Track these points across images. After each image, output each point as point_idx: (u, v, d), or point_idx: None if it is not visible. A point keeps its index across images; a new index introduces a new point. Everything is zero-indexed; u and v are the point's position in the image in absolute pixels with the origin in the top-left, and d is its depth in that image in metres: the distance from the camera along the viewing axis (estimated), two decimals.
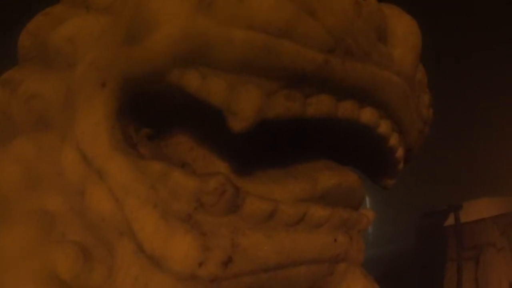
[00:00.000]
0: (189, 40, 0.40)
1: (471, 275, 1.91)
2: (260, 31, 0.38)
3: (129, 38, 0.47)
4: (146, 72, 0.45)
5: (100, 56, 0.51)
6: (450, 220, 2.06)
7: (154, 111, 0.54)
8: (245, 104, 0.38)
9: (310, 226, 0.47)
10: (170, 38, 0.41)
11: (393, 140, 0.55)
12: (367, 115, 0.47)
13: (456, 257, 1.93)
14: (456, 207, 1.99)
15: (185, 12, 0.41)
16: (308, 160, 0.52)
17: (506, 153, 2.18)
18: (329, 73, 0.40)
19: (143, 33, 0.44)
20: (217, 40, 0.39)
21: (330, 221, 0.49)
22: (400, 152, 0.59)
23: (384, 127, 0.51)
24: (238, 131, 0.39)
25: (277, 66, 0.38)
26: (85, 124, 0.49)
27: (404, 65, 0.50)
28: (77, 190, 0.49)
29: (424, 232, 2.20)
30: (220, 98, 0.40)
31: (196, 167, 0.50)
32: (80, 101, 0.51)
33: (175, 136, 0.55)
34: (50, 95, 0.53)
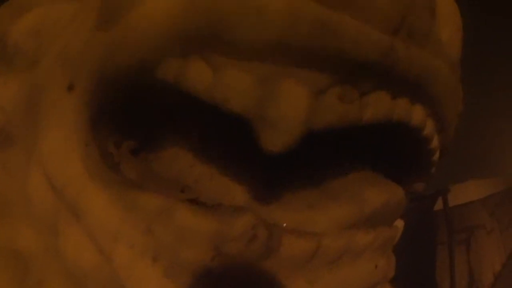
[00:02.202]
0: (194, 14, 0.27)
1: (463, 258, 1.89)
2: None
3: (103, 20, 0.34)
4: (126, 66, 0.32)
5: (66, 48, 0.39)
6: (438, 205, 2.04)
7: (138, 115, 0.42)
8: (288, 109, 0.26)
9: (353, 256, 0.37)
10: (162, 12, 0.28)
11: (435, 141, 0.46)
12: (418, 115, 0.37)
13: (447, 241, 1.91)
14: (444, 191, 1.96)
15: None
16: (341, 171, 0.42)
17: (488, 135, 2.18)
18: (393, 61, 0.29)
19: (122, 9, 0.31)
20: (239, 12, 0.26)
21: (372, 245, 0.40)
22: (437, 154, 0.50)
23: (429, 127, 0.42)
24: (278, 149, 0.27)
25: (333, 51, 0.26)
26: (51, 140, 0.37)
27: (452, 50, 0.40)
28: (49, 227, 0.37)
29: (412, 217, 2.18)
30: (246, 101, 0.27)
31: (200, 190, 0.38)
32: (44, 108, 0.39)
33: (169, 148, 0.43)
34: (10, 103, 0.42)
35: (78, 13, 0.39)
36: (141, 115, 0.42)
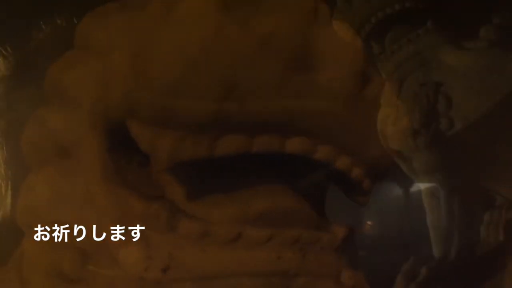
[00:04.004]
0: (127, 103, 0.54)
1: None
2: (157, 93, 0.50)
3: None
4: (113, 118, 0.57)
5: (91, 99, 0.63)
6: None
7: None
8: (161, 150, 0.51)
9: (249, 244, 0.56)
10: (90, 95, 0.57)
11: (340, 163, 0.59)
12: (294, 144, 0.54)
13: None
14: None
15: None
16: (258, 185, 0.60)
17: None
18: (226, 116, 0.50)
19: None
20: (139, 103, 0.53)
21: (273, 240, 0.57)
22: (355, 172, 0.61)
23: (322, 152, 0.57)
24: (160, 171, 0.50)
25: (175, 120, 0.50)
26: (87, 159, 0.64)
27: (334, 86, 0.54)
28: None
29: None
30: (147, 145, 0.53)
31: (167, 191, 0.62)
32: (83, 139, 0.65)
33: None
34: (66, 129, 0.67)
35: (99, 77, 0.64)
36: None
